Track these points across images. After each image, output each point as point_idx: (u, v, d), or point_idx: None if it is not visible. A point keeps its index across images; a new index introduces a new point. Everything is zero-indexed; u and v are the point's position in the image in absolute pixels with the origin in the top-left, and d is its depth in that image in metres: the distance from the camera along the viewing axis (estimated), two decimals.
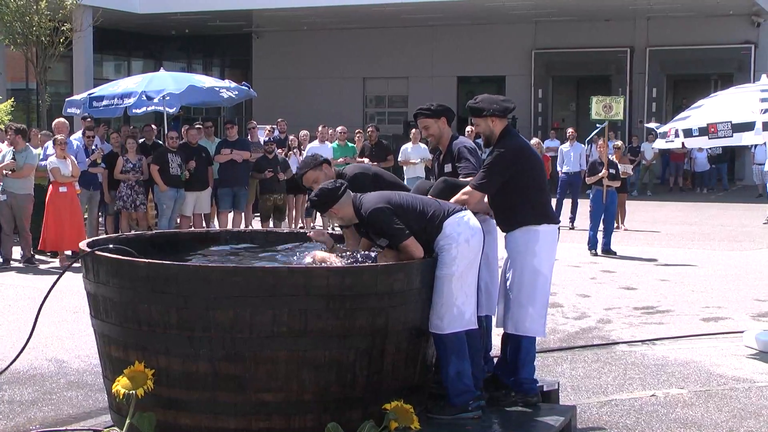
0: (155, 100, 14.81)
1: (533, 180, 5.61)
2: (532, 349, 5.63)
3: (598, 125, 14.94)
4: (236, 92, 15.15)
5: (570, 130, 18.19)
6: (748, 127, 8.09)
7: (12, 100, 17.54)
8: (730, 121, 8.17)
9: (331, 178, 5.57)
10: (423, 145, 18.08)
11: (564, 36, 29.24)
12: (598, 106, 14.52)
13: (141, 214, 13.87)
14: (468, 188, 5.51)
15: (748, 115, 8.08)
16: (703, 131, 8.36)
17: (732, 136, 8.32)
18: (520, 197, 5.55)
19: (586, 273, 11.92)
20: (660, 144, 9.47)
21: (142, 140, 14.84)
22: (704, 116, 8.46)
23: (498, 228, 5.77)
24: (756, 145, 22.93)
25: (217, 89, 14.92)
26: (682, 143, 8.83)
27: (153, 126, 16.33)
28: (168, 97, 14.59)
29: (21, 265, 12.26)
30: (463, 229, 5.10)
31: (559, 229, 5.75)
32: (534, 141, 18.29)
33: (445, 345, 5.12)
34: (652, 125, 9.52)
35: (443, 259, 5.07)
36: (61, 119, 13.68)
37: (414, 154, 16.28)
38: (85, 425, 5.63)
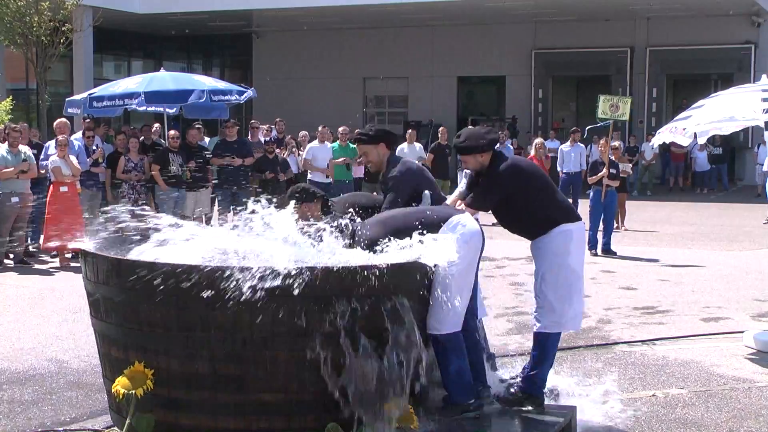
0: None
1: (541, 185, 5.71)
2: (554, 349, 5.70)
3: (600, 123, 14.90)
4: (237, 95, 15.21)
5: (573, 132, 18.19)
6: (749, 120, 8.07)
7: (11, 98, 17.54)
8: (732, 117, 8.15)
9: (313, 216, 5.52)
10: (419, 145, 18.05)
11: (564, 36, 29.25)
12: (605, 105, 14.45)
13: None
14: (463, 206, 5.68)
15: (749, 113, 8.06)
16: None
17: (720, 129, 8.41)
18: (541, 205, 5.64)
19: (586, 273, 11.75)
20: (655, 139, 9.59)
21: (141, 138, 14.86)
22: (705, 116, 8.45)
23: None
24: (759, 145, 22.95)
25: (217, 91, 14.93)
26: (674, 138, 8.82)
27: (157, 125, 16.35)
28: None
29: (12, 264, 12.27)
30: (461, 231, 5.10)
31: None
32: (537, 141, 18.29)
33: (443, 345, 5.11)
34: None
35: None
36: (63, 119, 13.69)
37: (410, 154, 16.29)
38: (85, 425, 5.63)
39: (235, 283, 4.44)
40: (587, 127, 18.29)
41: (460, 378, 5.16)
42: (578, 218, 5.82)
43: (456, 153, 6.08)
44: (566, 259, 5.63)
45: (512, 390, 5.59)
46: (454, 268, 5.02)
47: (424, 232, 5.03)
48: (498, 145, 5.90)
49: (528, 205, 5.65)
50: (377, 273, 4.58)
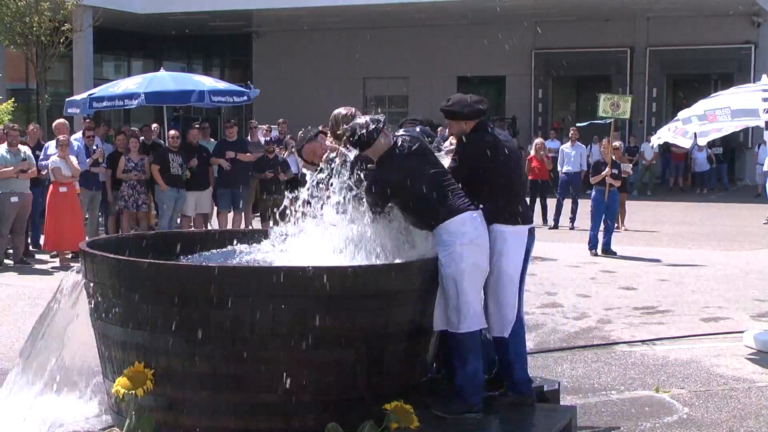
0: None
1: (501, 177, 5.38)
2: (520, 348, 5.52)
3: (588, 122, 14.87)
4: (236, 96, 15.19)
5: (572, 131, 18.18)
6: (750, 113, 8.00)
7: (12, 100, 17.56)
8: (729, 107, 8.11)
9: (326, 148, 5.69)
10: None
11: (564, 36, 29.23)
12: (605, 104, 14.41)
13: (142, 213, 13.87)
14: None
15: (749, 104, 8.02)
16: (701, 118, 8.31)
17: (720, 130, 8.38)
18: (487, 194, 5.32)
19: (586, 273, 11.92)
20: (654, 140, 9.59)
21: (141, 138, 14.85)
22: (714, 104, 8.41)
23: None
24: (759, 145, 22.95)
25: (217, 92, 14.92)
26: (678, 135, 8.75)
27: (156, 125, 16.34)
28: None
29: (12, 264, 12.27)
30: (469, 229, 5.02)
31: (531, 230, 5.50)
32: (537, 141, 18.27)
33: (462, 344, 5.07)
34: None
35: (450, 257, 4.98)
36: (61, 120, 13.69)
37: None
38: (85, 425, 5.62)
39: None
40: (578, 123, 18.02)
41: (475, 378, 5.12)
42: (522, 222, 5.40)
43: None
44: (499, 260, 5.29)
45: (503, 394, 5.55)
46: (463, 264, 4.98)
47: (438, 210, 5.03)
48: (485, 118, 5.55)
49: (485, 183, 5.32)
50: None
